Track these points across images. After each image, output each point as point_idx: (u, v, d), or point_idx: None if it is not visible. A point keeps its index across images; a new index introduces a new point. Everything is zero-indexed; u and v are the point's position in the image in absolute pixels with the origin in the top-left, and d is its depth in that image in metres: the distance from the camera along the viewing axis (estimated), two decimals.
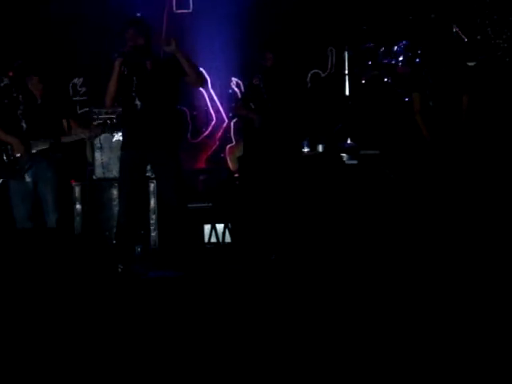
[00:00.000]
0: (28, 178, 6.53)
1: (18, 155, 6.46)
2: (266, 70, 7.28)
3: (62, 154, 6.63)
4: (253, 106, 7.33)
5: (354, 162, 8.00)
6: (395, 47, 8.59)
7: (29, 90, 6.55)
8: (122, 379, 3.69)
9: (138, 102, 6.31)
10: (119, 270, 6.23)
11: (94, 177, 7.52)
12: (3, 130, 6.49)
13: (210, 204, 8.05)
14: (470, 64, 7.73)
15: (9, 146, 6.49)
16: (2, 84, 7.01)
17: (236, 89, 9.23)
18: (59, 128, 6.59)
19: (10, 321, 4.68)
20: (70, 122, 6.66)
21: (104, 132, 6.80)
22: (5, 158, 6.51)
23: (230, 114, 9.23)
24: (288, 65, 7.54)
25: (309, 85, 9.21)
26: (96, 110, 7.16)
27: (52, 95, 6.61)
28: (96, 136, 6.77)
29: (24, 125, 6.52)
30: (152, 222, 7.43)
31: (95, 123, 6.81)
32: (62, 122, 6.62)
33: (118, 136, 7.27)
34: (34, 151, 6.48)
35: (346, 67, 8.77)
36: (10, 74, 6.48)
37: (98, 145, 7.41)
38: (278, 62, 7.28)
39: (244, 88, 8.46)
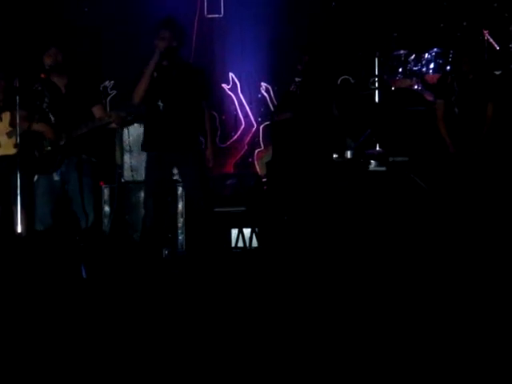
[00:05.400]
0: (56, 177, 6.51)
1: (50, 141, 6.42)
2: (302, 74, 7.25)
3: (96, 158, 6.60)
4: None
5: (383, 168, 7.97)
6: (426, 54, 8.56)
7: (52, 82, 6.51)
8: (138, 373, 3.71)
9: (160, 104, 6.36)
10: (147, 271, 6.26)
11: (123, 179, 7.55)
12: (34, 121, 6.42)
13: (238, 208, 8.04)
14: (496, 73, 7.70)
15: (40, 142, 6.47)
16: (34, 87, 6.99)
17: (265, 94, 9.24)
18: (88, 117, 6.49)
19: (29, 318, 4.74)
20: (97, 108, 6.56)
21: (129, 115, 6.61)
22: (36, 153, 6.51)
23: (259, 118, 9.25)
24: (323, 68, 7.54)
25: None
26: None
27: (76, 84, 6.54)
28: (121, 119, 6.50)
29: (52, 117, 6.51)
30: (179, 225, 7.44)
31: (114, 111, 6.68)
32: (90, 110, 6.51)
33: None
34: (62, 143, 6.43)
35: (377, 74, 8.75)
36: (42, 75, 6.48)
37: (127, 147, 7.44)
38: (314, 64, 7.27)
39: (279, 96, 8.44)
